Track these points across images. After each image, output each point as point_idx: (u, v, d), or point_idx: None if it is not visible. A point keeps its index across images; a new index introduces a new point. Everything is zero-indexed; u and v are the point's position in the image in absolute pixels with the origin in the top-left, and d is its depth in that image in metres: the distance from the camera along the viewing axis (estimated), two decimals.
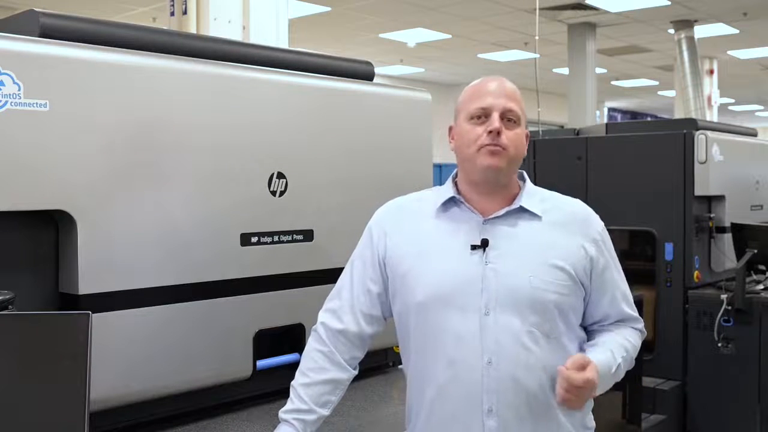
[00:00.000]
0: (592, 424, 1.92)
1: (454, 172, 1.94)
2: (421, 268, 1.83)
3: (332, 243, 2.45)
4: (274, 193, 2.32)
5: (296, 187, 2.37)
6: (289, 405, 1.89)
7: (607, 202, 4.69)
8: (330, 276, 2.19)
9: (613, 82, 19.48)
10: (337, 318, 1.94)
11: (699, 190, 4.71)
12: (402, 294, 1.87)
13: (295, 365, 1.97)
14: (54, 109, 1.85)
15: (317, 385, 1.89)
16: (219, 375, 2.21)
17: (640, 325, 1.98)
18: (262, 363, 2.30)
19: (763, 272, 4.77)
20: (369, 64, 2.85)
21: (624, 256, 4.84)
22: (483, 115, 1.82)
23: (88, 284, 1.91)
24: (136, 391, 2.02)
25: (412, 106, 2.85)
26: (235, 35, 4.59)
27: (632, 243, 5.05)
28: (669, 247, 4.76)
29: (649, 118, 24.07)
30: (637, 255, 5.03)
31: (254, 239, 2.26)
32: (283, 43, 4.82)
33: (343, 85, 2.59)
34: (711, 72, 15.70)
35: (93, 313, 1.63)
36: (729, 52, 15.34)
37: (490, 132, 1.79)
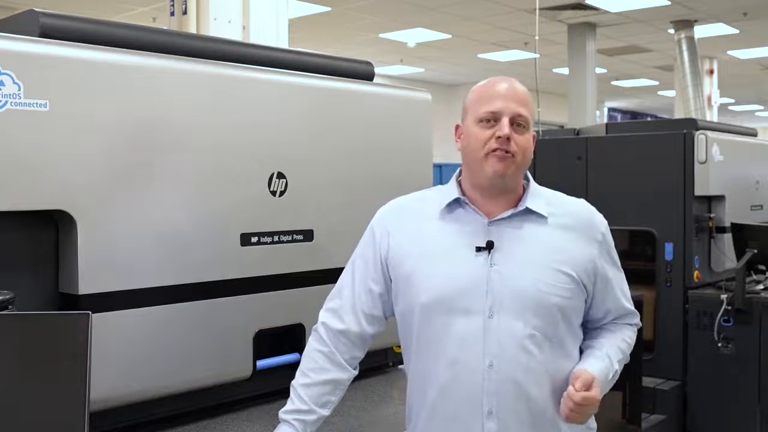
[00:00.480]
0: (594, 425, 1.92)
1: (458, 171, 1.92)
2: (425, 269, 1.82)
3: (332, 243, 2.45)
4: (274, 193, 2.32)
5: (296, 187, 2.37)
6: (289, 405, 1.88)
7: (607, 202, 4.66)
8: (330, 276, 2.19)
9: (613, 82, 19.48)
10: (338, 318, 1.94)
11: (699, 190, 4.70)
12: (405, 295, 1.86)
13: (295, 365, 1.97)
14: (54, 109, 1.85)
15: (317, 386, 1.89)
16: (219, 375, 2.21)
17: (636, 318, 1.99)
18: (262, 363, 2.30)
19: (763, 272, 4.77)
20: (369, 64, 2.85)
21: (624, 256, 4.80)
22: (492, 119, 1.79)
23: (88, 284, 1.91)
24: (136, 391, 2.02)
25: (412, 106, 2.85)
26: (235, 35, 4.59)
27: (632, 243, 5.05)
28: (669, 247, 4.76)
29: (649, 118, 24.08)
30: (637, 255, 5.03)
31: (254, 239, 2.26)
32: (283, 43, 4.82)
33: (343, 85, 2.59)
34: (711, 72, 15.70)
35: (93, 313, 1.63)
36: (729, 52, 15.34)
37: (499, 138, 1.77)
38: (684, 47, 12.84)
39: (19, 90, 1.79)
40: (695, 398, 4.71)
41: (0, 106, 1.76)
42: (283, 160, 2.34)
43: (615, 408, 3.94)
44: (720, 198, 4.87)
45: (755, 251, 4.55)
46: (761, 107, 25.23)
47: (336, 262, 2.30)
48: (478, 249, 1.78)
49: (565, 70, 14.34)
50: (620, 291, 1.93)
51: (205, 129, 2.16)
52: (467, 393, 1.76)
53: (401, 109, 2.79)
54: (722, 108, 20.43)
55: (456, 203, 1.86)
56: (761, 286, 4.71)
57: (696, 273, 4.74)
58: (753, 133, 5.90)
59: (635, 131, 5.13)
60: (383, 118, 2.70)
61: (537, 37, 8.65)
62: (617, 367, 1.86)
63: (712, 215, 4.84)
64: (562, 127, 13.36)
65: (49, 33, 1.94)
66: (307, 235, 2.41)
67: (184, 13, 4.60)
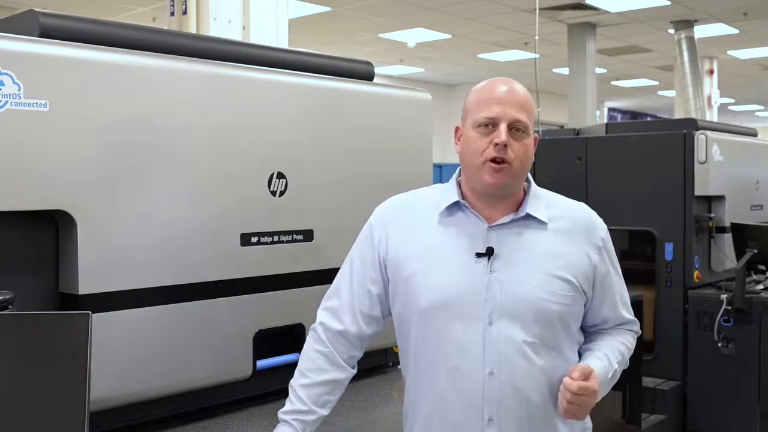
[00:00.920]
0: (590, 424, 1.92)
1: (457, 171, 1.90)
2: (424, 273, 1.80)
3: (332, 243, 2.45)
4: (274, 193, 2.32)
5: (296, 187, 2.37)
6: (288, 406, 1.88)
7: (607, 202, 4.69)
8: (330, 276, 2.19)
9: (613, 82, 19.48)
10: (337, 318, 1.93)
11: (699, 190, 4.70)
12: (403, 298, 1.85)
13: (295, 365, 1.97)
14: (54, 109, 1.85)
15: (316, 386, 1.89)
16: (219, 375, 2.21)
17: (636, 327, 1.98)
18: (262, 363, 2.30)
19: (763, 272, 4.77)
20: (369, 64, 2.85)
21: (624, 256, 4.85)
22: (490, 125, 1.77)
23: (88, 284, 1.91)
24: (136, 391, 2.02)
25: (412, 106, 2.85)
26: (235, 35, 4.59)
27: (632, 243, 5.05)
28: (669, 247, 4.76)
29: (649, 118, 24.08)
30: (637, 255, 5.03)
31: (254, 239, 2.26)
32: (283, 43, 4.82)
33: (343, 85, 2.59)
34: (711, 72, 15.69)
35: (93, 313, 1.63)
36: (729, 52, 15.34)
37: (496, 144, 1.75)
38: (684, 47, 12.83)
39: (19, 90, 1.79)
40: (695, 398, 4.71)
41: (0, 106, 1.76)
42: (283, 160, 2.34)
43: (615, 408, 3.94)
44: (720, 198, 4.87)
45: (755, 251, 4.55)
46: (761, 107, 25.22)
47: (336, 262, 2.29)
48: (478, 255, 1.77)
49: (565, 70, 14.34)
50: (620, 298, 1.92)
51: (205, 129, 2.16)
52: (467, 400, 1.75)
53: (401, 109, 2.79)
54: (722, 108, 20.43)
55: (456, 206, 1.84)
56: (761, 286, 4.71)
57: (696, 273, 4.74)
58: (753, 133, 5.90)
59: (635, 131, 5.12)
60: (383, 118, 2.70)
61: (537, 37, 8.65)
62: (616, 367, 1.84)
63: (712, 215, 4.84)
64: (562, 127, 13.35)
65: (49, 33, 1.94)
66: (307, 235, 2.41)
67: (184, 13, 4.60)
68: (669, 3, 11.30)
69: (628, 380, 3.90)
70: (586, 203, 1.94)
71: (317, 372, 1.90)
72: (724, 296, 4.52)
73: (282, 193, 2.34)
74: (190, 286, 2.12)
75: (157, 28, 2.41)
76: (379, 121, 2.68)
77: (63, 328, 1.62)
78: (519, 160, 1.77)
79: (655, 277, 4.81)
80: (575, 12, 11.93)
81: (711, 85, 15.59)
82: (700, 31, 12.94)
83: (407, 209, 1.92)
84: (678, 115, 14.84)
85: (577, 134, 5.34)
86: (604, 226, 1.90)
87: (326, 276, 2.33)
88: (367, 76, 2.80)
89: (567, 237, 1.82)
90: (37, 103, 1.82)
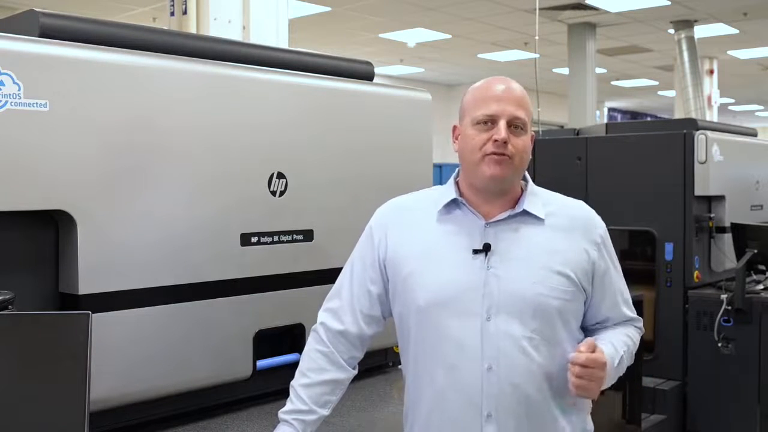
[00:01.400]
0: (591, 427, 1.92)
1: (456, 171, 1.91)
2: (422, 271, 1.81)
3: (332, 243, 2.45)
4: (274, 193, 2.32)
5: (296, 187, 2.37)
6: (288, 405, 1.88)
7: (607, 202, 4.69)
8: (330, 276, 2.19)
9: (613, 82, 19.48)
10: (338, 319, 1.94)
11: (699, 190, 4.70)
12: (403, 297, 1.86)
13: (295, 365, 1.97)
14: (54, 109, 1.85)
15: (317, 386, 1.89)
16: (219, 375, 2.21)
17: (640, 324, 1.98)
18: (262, 363, 2.30)
19: (763, 272, 4.77)
20: (369, 64, 2.85)
21: (624, 256, 4.85)
22: (489, 122, 1.78)
23: (88, 284, 1.91)
24: (136, 391, 2.02)
25: (412, 106, 2.85)
26: (235, 35, 4.59)
27: (632, 243, 5.05)
28: (669, 247, 4.76)
29: (649, 118, 24.08)
30: (637, 255, 5.03)
31: (254, 239, 2.26)
32: (283, 43, 4.82)
33: (343, 85, 2.59)
34: (711, 72, 15.70)
35: (93, 313, 1.64)
36: (729, 52, 15.34)
37: (496, 141, 1.76)
38: (684, 47, 12.84)
39: (19, 90, 1.79)
40: (695, 398, 4.71)
41: (0, 106, 1.76)
42: (283, 160, 2.34)
43: (615, 408, 3.94)
44: (720, 198, 4.87)
45: (755, 251, 4.55)
46: (761, 107, 25.22)
47: (336, 262, 2.29)
48: (475, 251, 1.78)
49: (565, 70, 14.34)
50: (620, 296, 1.92)
51: (205, 129, 2.16)
52: (466, 396, 1.75)
53: (401, 109, 2.79)
54: (722, 108, 20.43)
55: (454, 204, 1.85)
56: (761, 286, 4.71)
57: (696, 273, 4.74)
58: (753, 133, 5.90)
59: (635, 131, 5.13)
60: (383, 118, 2.70)
61: (537, 37, 8.65)
62: (622, 354, 1.83)
63: (712, 215, 4.84)
64: (562, 127, 13.35)
65: (49, 33, 1.94)
66: (307, 235, 2.41)
67: (184, 13, 4.61)
68: (669, 3, 11.30)
69: (628, 380, 3.90)
70: (586, 203, 1.94)
71: (318, 372, 1.90)
72: (724, 296, 4.52)
73: (282, 193, 2.34)
74: (190, 286, 2.11)
75: (157, 28, 2.41)
76: (379, 121, 2.68)
77: (63, 328, 1.62)
78: (519, 155, 1.79)
79: (655, 277, 4.81)
80: (575, 12, 11.93)
81: (711, 85, 15.60)
82: (700, 31, 12.94)
83: (406, 210, 1.93)
84: (678, 115, 14.85)
85: (577, 134, 5.35)
86: (603, 224, 1.90)
87: (326, 276, 2.33)
88: (367, 76, 2.80)
89: (565, 233, 1.83)
90: (37, 103, 1.82)
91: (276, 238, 2.32)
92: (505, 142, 1.76)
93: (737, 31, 13.34)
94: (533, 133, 1.88)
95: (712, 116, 14.96)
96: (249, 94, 2.28)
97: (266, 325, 2.31)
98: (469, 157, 1.81)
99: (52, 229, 1.95)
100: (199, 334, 2.14)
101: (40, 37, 1.92)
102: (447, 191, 1.87)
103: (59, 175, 1.86)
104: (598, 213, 1.93)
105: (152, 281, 2.04)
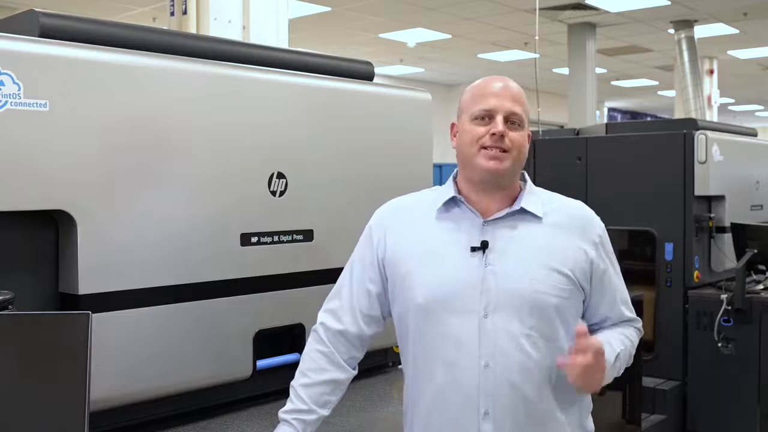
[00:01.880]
0: (591, 426, 1.92)
1: (455, 171, 1.92)
2: (421, 270, 1.82)
3: (332, 243, 2.45)
4: (274, 193, 2.32)
5: (296, 187, 2.37)
6: (288, 405, 1.88)
7: (607, 202, 4.69)
8: (330, 276, 2.19)
9: (613, 82, 19.48)
10: (337, 319, 1.94)
11: (699, 190, 4.70)
12: (402, 296, 1.86)
13: (295, 365, 1.97)
14: (54, 109, 1.85)
15: (317, 386, 1.89)
16: (219, 375, 2.21)
17: (639, 324, 1.98)
18: (262, 363, 2.30)
19: (763, 272, 4.77)
20: (369, 64, 2.85)
21: (624, 256, 4.86)
22: (487, 117, 1.80)
23: (88, 284, 1.91)
24: (136, 391, 2.02)
25: (412, 106, 2.85)
26: (235, 35, 4.59)
27: (632, 243, 5.05)
28: (669, 247, 4.76)
29: (649, 118, 24.08)
30: (636, 255, 5.03)
31: (254, 239, 2.26)
32: (283, 43, 4.82)
33: (343, 85, 2.59)
34: (711, 72, 15.70)
35: (93, 313, 1.64)
36: (729, 52, 15.34)
37: (494, 135, 1.78)
38: (684, 47, 12.84)
39: (19, 90, 1.79)
40: (695, 398, 4.71)
41: (0, 106, 1.76)
42: (283, 160, 2.34)
43: (615, 408, 3.94)
44: (720, 198, 4.87)
45: (755, 251, 4.55)
46: (761, 107, 25.22)
47: (336, 262, 2.29)
48: (473, 249, 1.78)
49: (565, 70, 14.34)
50: (619, 296, 1.92)
51: (205, 129, 2.16)
52: (463, 394, 1.75)
53: (401, 109, 2.79)
54: (722, 108, 20.43)
55: (452, 202, 1.86)
56: (761, 286, 4.71)
57: (696, 273, 4.74)
58: (753, 133, 5.90)
59: (635, 131, 5.13)
60: (383, 118, 2.70)
61: (537, 37, 8.65)
62: (619, 352, 1.83)
63: (712, 215, 4.84)
64: (562, 127, 13.34)
65: (49, 33, 1.94)
66: (307, 235, 2.41)
67: (184, 13, 4.61)
68: (669, 3, 11.30)
69: (628, 380, 3.90)
70: (586, 203, 1.94)
71: (318, 372, 1.90)
72: (724, 296, 4.52)
73: (282, 193, 2.34)
74: (190, 286, 2.12)
75: (157, 28, 2.41)
76: (379, 121, 2.68)
77: (63, 328, 1.62)
78: (517, 149, 1.80)
79: (655, 277, 4.81)
80: (575, 12, 11.93)
81: (711, 85, 15.60)
82: (700, 31, 12.94)
83: (405, 210, 1.94)
84: (678, 115, 14.85)
85: (577, 134, 5.35)
86: (602, 224, 1.91)
87: (326, 276, 2.33)
88: (367, 76, 2.80)
89: (563, 232, 1.83)
90: (37, 103, 1.82)
91: (276, 238, 2.32)
92: (503, 136, 1.78)
93: (737, 31, 13.34)
94: (530, 132, 1.89)
95: (712, 116, 14.96)
96: (249, 94, 2.28)
97: (266, 325, 2.31)
98: (466, 150, 1.83)
99: (52, 229, 1.95)
100: (199, 334, 2.14)
101: (40, 37, 1.92)
102: (446, 190, 1.89)
103: (59, 175, 1.86)
104: (598, 213, 1.93)
105: (152, 281, 2.04)
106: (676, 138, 4.77)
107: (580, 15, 12.19)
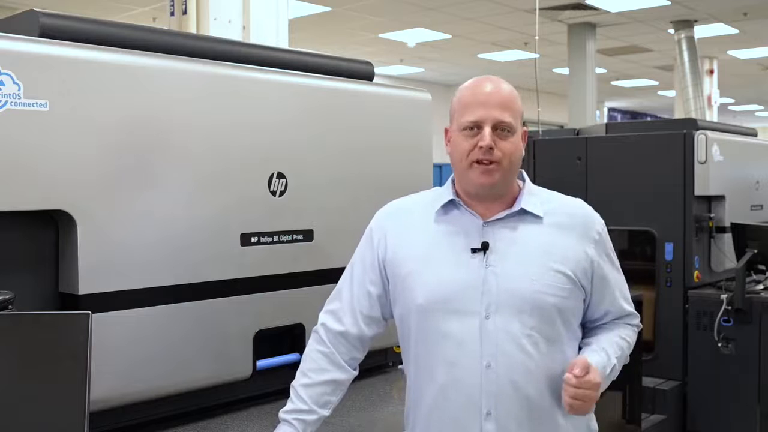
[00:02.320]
0: (595, 426, 1.92)
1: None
2: (421, 271, 1.82)
3: (332, 243, 2.45)
4: (274, 193, 2.32)
5: (296, 187, 2.37)
6: (289, 405, 1.89)
7: (607, 202, 4.69)
8: (330, 276, 2.19)
9: (613, 82, 19.48)
10: (338, 320, 1.94)
11: (699, 190, 4.71)
12: (403, 297, 1.86)
13: (294, 365, 1.97)
14: (54, 109, 1.85)
15: (318, 386, 1.89)
16: (219, 375, 2.21)
17: (637, 320, 1.99)
18: (262, 363, 2.30)
19: (763, 272, 4.77)
20: (369, 64, 2.85)
21: (624, 256, 4.84)
22: (475, 127, 1.78)
23: (88, 284, 1.91)
24: (136, 391, 2.02)
25: (412, 106, 2.85)
26: (235, 35, 4.59)
27: (632, 243, 5.05)
28: (669, 247, 4.76)
29: (649, 118, 24.08)
30: (636, 255, 5.03)
31: (254, 239, 2.26)
32: (283, 43, 4.82)
33: (343, 85, 2.59)
34: (711, 72, 15.70)
35: (93, 313, 1.63)
36: (729, 52, 15.34)
37: (482, 147, 1.76)
38: (684, 47, 12.84)
39: (19, 90, 1.79)
40: (695, 398, 4.71)
41: (0, 106, 1.76)
42: (283, 160, 2.34)
43: (615, 408, 3.94)
44: (720, 198, 4.87)
45: (755, 251, 4.55)
46: (761, 107, 25.22)
47: (336, 262, 2.30)
48: (474, 250, 1.78)
49: (565, 70, 14.34)
50: (619, 292, 1.92)
51: (205, 129, 2.16)
52: (465, 395, 1.76)
53: (401, 109, 2.79)
54: (722, 108, 20.43)
55: (451, 204, 1.86)
56: (761, 286, 4.71)
57: (696, 273, 4.74)
58: (753, 133, 5.90)
59: (635, 131, 5.13)
60: (383, 118, 2.70)
61: (537, 37, 8.65)
62: (615, 362, 1.84)
63: (712, 215, 4.84)
64: (562, 127, 13.34)
65: (49, 33, 1.94)
66: (307, 235, 2.41)
67: (184, 13, 4.60)
68: (669, 3, 11.30)
69: (628, 380, 3.90)
70: (586, 203, 1.94)
71: (318, 372, 1.90)
72: (724, 296, 4.52)
73: (282, 193, 2.34)
74: (190, 286, 2.12)
75: (157, 28, 2.41)
76: (379, 121, 2.68)
77: (63, 328, 1.62)
78: (507, 158, 1.79)
79: (655, 277, 4.82)
80: (575, 12, 11.93)
81: (711, 85, 15.60)
82: (700, 31, 12.94)
83: (405, 212, 1.94)
84: (678, 115, 14.84)
85: (577, 134, 5.34)
86: (601, 221, 1.91)
87: (326, 276, 2.33)
88: (367, 76, 2.80)
89: (563, 231, 1.83)
90: (37, 103, 1.82)
91: (276, 238, 2.32)
92: (491, 148, 1.76)
93: (737, 31, 13.34)
94: (525, 128, 1.87)
95: (712, 116, 14.96)
96: (249, 94, 2.28)
97: (266, 325, 2.31)
98: (458, 164, 1.83)
99: (52, 229, 1.95)
100: (199, 334, 2.14)
101: (40, 37, 1.92)
102: (445, 192, 1.88)
103: (59, 175, 1.86)
104: (598, 213, 1.93)
105: (152, 281, 2.03)
106: (676, 138, 4.77)
107: (580, 15, 12.19)
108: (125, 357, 1.98)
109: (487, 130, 1.77)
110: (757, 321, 4.48)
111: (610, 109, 24.76)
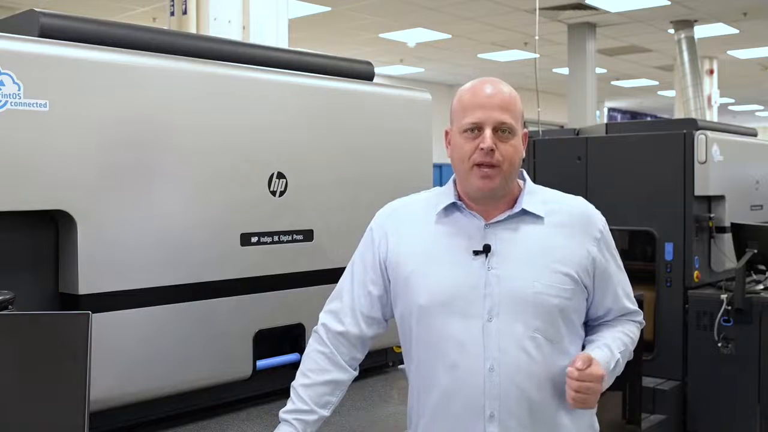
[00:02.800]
0: (596, 426, 1.92)
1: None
2: (423, 272, 1.82)
3: (332, 243, 2.45)
4: (274, 193, 2.32)
5: (296, 187, 2.37)
6: (289, 405, 1.88)
7: (607, 202, 4.67)
8: (330, 276, 2.19)
9: (613, 82, 19.48)
10: (338, 320, 1.94)
11: (699, 190, 4.70)
12: (404, 297, 1.86)
13: (294, 365, 1.97)
14: (54, 109, 1.85)
15: (318, 386, 1.89)
16: (219, 375, 2.21)
17: (640, 317, 1.99)
18: (262, 363, 2.30)
19: (763, 272, 4.77)
20: (369, 64, 2.85)
21: (624, 256, 4.82)
22: (476, 129, 1.78)
23: (88, 284, 1.91)
24: (136, 391, 2.02)
25: (412, 106, 2.85)
26: (235, 35, 4.59)
27: (632, 243, 5.05)
28: (669, 247, 4.76)
29: (649, 118, 24.08)
30: (637, 255, 5.02)
31: (254, 239, 2.26)
32: (283, 43, 4.82)
33: (343, 85, 2.59)
34: (711, 72, 15.69)
35: (93, 313, 1.63)
36: (729, 52, 15.34)
37: (482, 149, 1.75)
38: (684, 47, 12.84)
39: (19, 90, 1.79)
40: (695, 398, 4.71)
41: (0, 106, 1.76)
42: (283, 160, 2.34)
43: (615, 408, 3.94)
44: (720, 198, 4.87)
45: (755, 251, 4.55)
46: (761, 107, 25.23)
47: (336, 262, 2.30)
48: (476, 252, 1.78)
49: (565, 70, 14.34)
50: (621, 290, 1.92)
51: (205, 129, 2.16)
52: (468, 397, 1.75)
53: (401, 109, 2.79)
54: (722, 108, 20.43)
55: (453, 206, 1.86)
56: (761, 286, 4.71)
57: (696, 273, 4.74)
58: (753, 133, 5.90)
59: (635, 131, 5.12)
60: (383, 118, 2.70)
61: (537, 37, 8.65)
62: (618, 357, 1.83)
63: (712, 215, 4.83)
64: (562, 127, 13.32)
65: (49, 33, 1.94)
66: (307, 235, 2.41)
67: (184, 13, 4.61)
68: (669, 3, 11.30)
69: (628, 380, 3.90)
70: None
71: (318, 372, 1.90)
72: (724, 296, 4.52)
73: (282, 193, 2.34)
74: (190, 286, 2.12)
75: (157, 28, 2.41)
76: (379, 122, 2.68)
77: (63, 328, 1.62)
78: (508, 161, 1.78)
79: (655, 277, 4.81)
80: (575, 12, 11.93)
81: (711, 85, 15.60)
82: (700, 31, 12.95)
83: (406, 213, 1.94)
84: (678, 115, 14.85)
85: (577, 134, 5.34)
86: (602, 218, 1.90)
87: (326, 276, 2.33)
88: (367, 76, 2.80)
89: (564, 230, 1.83)
90: (37, 103, 1.82)
91: (276, 238, 2.32)
92: (492, 150, 1.75)
93: (737, 31, 13.34)
94: (526, 130, 1.87)
95: (712, 116, 14.96)
96: (249, 94, 2.28)
97: (266, 325, 2.31)
98: (459, 166, 1.82)
99: (52, 229, 1.95)
100: (199, 335, 2.14)
101: (40, 37, 1.92)
102: (446, 194, 1.88)
103: (59, 175, 1.86)
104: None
105: (152, 281, 2.04)
106: (676, 138, 4.77)
107: (580, 15, 12.19)
108: (125, 357, 1.98)
109: (487, 131, 1.76)
110: (757, 321, 4.48)
111: (610, 109, 24.76)
